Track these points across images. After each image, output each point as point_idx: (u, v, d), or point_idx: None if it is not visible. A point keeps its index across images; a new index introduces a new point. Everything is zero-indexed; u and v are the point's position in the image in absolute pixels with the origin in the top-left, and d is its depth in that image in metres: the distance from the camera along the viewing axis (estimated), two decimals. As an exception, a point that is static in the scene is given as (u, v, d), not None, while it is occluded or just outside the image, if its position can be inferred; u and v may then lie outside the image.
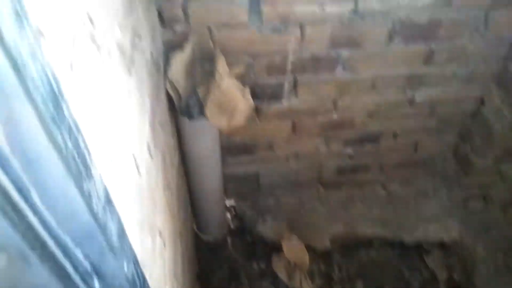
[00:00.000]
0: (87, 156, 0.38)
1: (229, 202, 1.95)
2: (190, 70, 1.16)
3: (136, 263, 0.52)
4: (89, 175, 0.38)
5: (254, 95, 1.29)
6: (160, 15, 1.10)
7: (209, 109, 1.10)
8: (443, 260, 1.93)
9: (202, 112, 1.13)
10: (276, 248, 1.71)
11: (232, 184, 1.77)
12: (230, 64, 1.17)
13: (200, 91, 1.13)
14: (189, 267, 1.36)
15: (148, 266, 0.64)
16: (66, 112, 0.34)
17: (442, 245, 1.92)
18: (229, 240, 1.81)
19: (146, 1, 0.92)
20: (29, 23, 0.30)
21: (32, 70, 0.29)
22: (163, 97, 1.07)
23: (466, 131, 1.62)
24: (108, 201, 0.43)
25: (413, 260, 1.98)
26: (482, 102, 1.52)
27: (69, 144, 0.35)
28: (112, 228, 0.43)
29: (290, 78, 1.34)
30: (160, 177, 0.86)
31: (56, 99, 0.33)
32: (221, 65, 1.13)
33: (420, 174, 1.84)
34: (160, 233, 0.78)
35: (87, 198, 0.37)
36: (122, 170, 0.55)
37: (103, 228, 0.41)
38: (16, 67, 0.27)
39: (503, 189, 1.67)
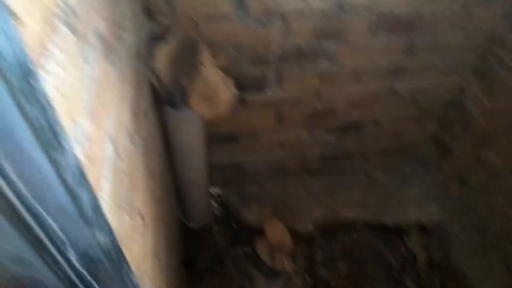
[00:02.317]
0: (58, 130, 0.39)
1: (215, 190, 1.98)
2: (174, 61, 1.16)
3: (112, 236, 0.54)
4: (61, 148, 0.39)
5: (239, 85, 1.30)
6: (145, 7, 1.09)
7: (193, 99, 1.11)
8: (422, 241, 2.02)
9: (185, 102, 1.14)
10: (260, 233, 1.75)
11: (217, 172, 1.79)
12: (214, 55, 1.18)
13: (184, 81, 1.14)
14: (173, 252, 1.39)
15: (127, 243, 0.66)
16: (37, 87, 0.35)
17: (422, 227, 2.01)
18: (214, 227, 1.85)
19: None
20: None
21: (2, 45, 0.30)
22: (146, 86, 1.08)
23: (446, 119, 1.67)
24: (81, 174, 0.44)
25: (394, 242, 2.06)
26: (461, 91, 1.56)
27: (41, 118, 0.36)
28: (86, 200, 0.45)
29: (274, 69, 1.35)
30: (141, 163, 0.88)
31: (27, 73, 0.34)
32: (205, 56, 1.13)
33: (401, 160, 1.90)
34: (141, 215, 0.81)
35: (59, 170, 0.39)
36: (98, 150, 0.57)
37: (76, 200, 0.42)
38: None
39: (479, 173, 1.75)
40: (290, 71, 1.36)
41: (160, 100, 1.18)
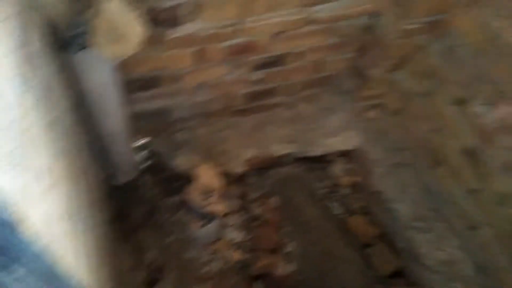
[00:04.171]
0: None
1: (142, 141, 1.86)
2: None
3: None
4: None
5: (150, 22, 1.17)
6: None
7: (97, 38, 0.97)
8: (345, 168, 2.16)
9: (89, 43, 0.99)
10: (191, 179, 1.71)
11: (142, 121, 1.67)
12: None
13: (85, 20, 0.98)
14: (100, 209, 1.33)
15: (26, 203, 0.59)
16: None
17: (345, 154, 2.13)
18: (144, 178, 1.76)
19: None
20: None
21: None
22: (40, 28, 0.91)
23: (363, 46, 1.71)
24: None
25: (320, 172, 2.18)
26: (376, 16, 1.58)
27: None
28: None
29: (188, 1, 1.22)
30: (42, 117, 0.77)
31: None
32: (106, -12, 0.97)
33: (323, 92, 1.93)
34: (46, 172, 0.72)
35: None
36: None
37: None
38: None
39: (393, 96, 1.86)
40: (205, 2, 1.24)
41: (60, 43, 1.00)
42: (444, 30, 1.52)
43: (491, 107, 1.42)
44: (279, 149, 1.94)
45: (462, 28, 1.47)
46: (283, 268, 1.92)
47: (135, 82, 1.43)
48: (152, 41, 1.29)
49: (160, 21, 1.24)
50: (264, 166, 2.05)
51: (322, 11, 1.46)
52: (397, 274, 1.97)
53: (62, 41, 0.97)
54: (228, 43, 1.44)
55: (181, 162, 1.75)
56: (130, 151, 1.63)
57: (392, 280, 1.95)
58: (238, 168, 1.91)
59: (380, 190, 1.96)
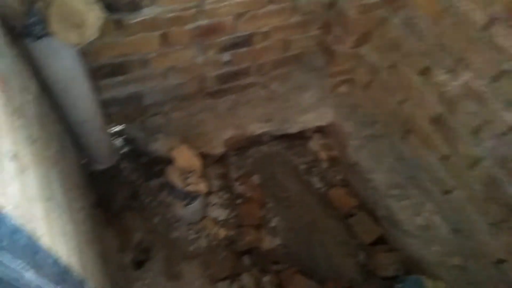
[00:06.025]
0: None
1: (118, 127, 1.90)
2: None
3: None
4: None
5: (109, 6, 1.20)
6: None
7: (54, 25, 1.00)
8: (322, 143, 2.22)
9: (46, 30, 1.02)
10: (170, 162, 1.76)
11: (115, 108, 1.71)
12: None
13: (40, 6, 1.01)
14: (79, 196, 1.36)
15: None
16: None
17: (320, 130, 2.18)
18: (123, 164, 1.81)
19: None
20: None
21: None
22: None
23: (326, 22, 1.74)
24: None
25: (299, 148, 2.24)
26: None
27: None
28: None
29: (146, -15, 1.26)
30: (3, 102, 0.81)
31: None
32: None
33: (295, 70, 1.97)
34: (14, 157, 0.76)
35: None
36: None
37: None
38: None
39: (361, 71, 1.90)
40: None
41: (16, 32, 1.04)
42: (402, 2, 1.55)
43: (454, 74, 1.47)
44: (257, 129, 1.99)
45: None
46: (269, 242, 1.99)
47: (103, 68, 1.47)
48: (115, 27, 1.33)
49: (119, 6, 1.27)
50: (243, 146, 2.10)
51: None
52: (379, 241, 2.04)
53: (19, 30, 1.01)
54: (192, 25, 1.47)
55: (158, 146, 1.80)
56: (107, 137, 1.68)
57: (374, 247, 2.02)
58: (217, 149, 1.96)
59: (356, 162, 2.02)
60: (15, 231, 0.63)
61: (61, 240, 0.95)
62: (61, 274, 0.83)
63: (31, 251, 0.68)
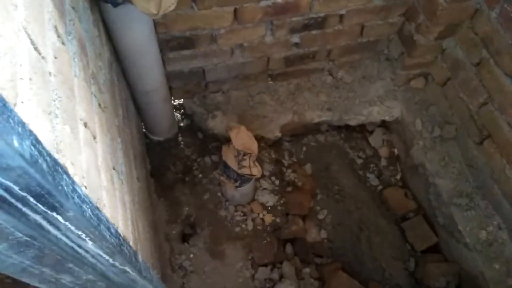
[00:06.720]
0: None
1: (177, 101, 1.90)
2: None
3: (36, 142, 0.49)
4: None
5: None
6: None
7: (136, -5, 0.98)
8: (384, 139, 2.09)
9: (127, -2, 1.00)
10: (226, 141, 1.73)
11: (177, 82, 1.70)
12: None
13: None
14: (138, 164, 1.37)
15: (67, 154, 0.62)
16: None
17: (384, 125, 2.05)
18: (180, 138, 1.81)
19: None
20: None
21: None
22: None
23: (412, 10, 1.59)
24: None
25: (357, 141, 2.13)
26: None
27: None
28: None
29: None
30: (79, 67, 0.80)
31: None
32: None
33: (365, 59, 1.85)
34: (86, 124, 0.75)
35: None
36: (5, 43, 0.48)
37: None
38: None
39: (442, 65, 1.74)
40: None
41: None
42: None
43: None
44: (316, 116, 1.90)
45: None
46: (314, 234, 1.93)
47: (172, 40, 1.45)
48: (191, -1, 1.29)
49: (197, -22, 1.22)
50: (299, 133, 2.03)
51: (367, -31, 1.37)
52: (432, 249, 1.92)
53: (101, -5, 1.00)
54: (267, 2, 1.40)
55: (216, 123, 1.77)
56: (170, 109, 1.67)
57: (426, 255, 1.91)
58: (273, 133, 1.90)
59: (420, 164, 1.88)
60: (83, 201, 0.62)
61: (120, 211, 0.95)
62: (118, 245, 0.82)
63: (94, 222, 0.67)
